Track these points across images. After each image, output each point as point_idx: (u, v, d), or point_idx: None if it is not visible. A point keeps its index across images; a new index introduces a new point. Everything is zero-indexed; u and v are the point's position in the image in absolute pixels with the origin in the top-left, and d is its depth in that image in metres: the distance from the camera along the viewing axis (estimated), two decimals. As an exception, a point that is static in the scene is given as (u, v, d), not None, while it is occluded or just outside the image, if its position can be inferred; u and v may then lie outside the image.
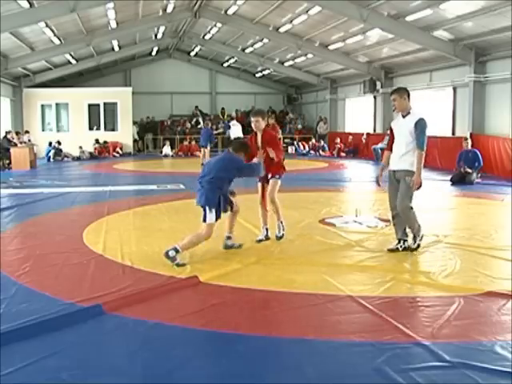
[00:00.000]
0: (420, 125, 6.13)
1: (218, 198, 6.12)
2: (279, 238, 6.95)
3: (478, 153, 14.04)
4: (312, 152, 25.44)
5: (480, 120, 16.55)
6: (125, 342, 3.90)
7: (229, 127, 20.43)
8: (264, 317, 4.42)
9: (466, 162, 13.79)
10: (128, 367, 3.50)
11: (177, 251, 5.80)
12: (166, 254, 5.78)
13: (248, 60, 27.68)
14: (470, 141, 14.49)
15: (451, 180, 13.62)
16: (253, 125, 6.81)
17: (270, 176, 6.82)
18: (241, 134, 20.30)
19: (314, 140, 26.92)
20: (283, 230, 6.99)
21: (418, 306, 4.62)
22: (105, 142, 24.73)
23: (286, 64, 26.53)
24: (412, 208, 6.29)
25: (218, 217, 6.16)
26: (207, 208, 6.09)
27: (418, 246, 6.41)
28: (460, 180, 13.46)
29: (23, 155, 18.18)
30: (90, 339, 3.95)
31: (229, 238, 6.61)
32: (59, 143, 23.24)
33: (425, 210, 9.75)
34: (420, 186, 6.21)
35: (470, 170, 13.63)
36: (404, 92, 6.27)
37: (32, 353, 3.64)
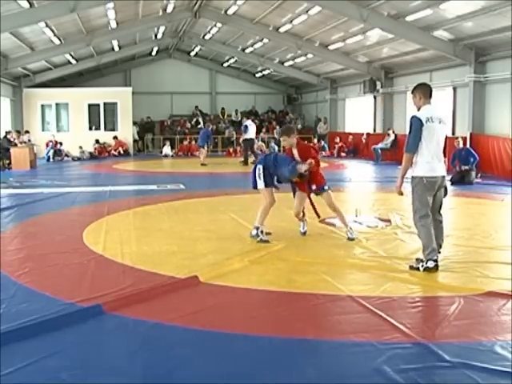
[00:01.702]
0: (410, 124, 5.62)
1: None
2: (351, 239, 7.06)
3: (471, 149, 14.13)
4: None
5: (480, 120, 16.55)
6: (125, 342, 3.90)
7: (246, 127, 19.38)
8: (264, 317, 4.42)
9: (461, 161, 13.81)
10: (128, 367, 3.50)
11: (257, 228, 6.92)
12: (251, 235, 6.99)
13: (248, 60, 27.68)
14: (460, 139, 14.46)
15: (451, 180, 13.59)
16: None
17: (314, 188, 7.11)
18: (254, 135, 19.56)
19: (315, 140, 26.86)
20: (353, 233, 7.12)
21: (417, 305, 4.62)
22: (115, 137, 24.86)
23: (286, 64, 26.53)
24: (422, 219, 5.53)
25: (267, 184, 7.03)
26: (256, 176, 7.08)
27: (417, 269, 5.51)
28: (460, 180, 13.46)
29: (23, 155, 18.17)
30: (90, 339, 3.95)
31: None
32: (60, 144, 23.22)
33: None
34: (400, 193, 5.73)
35: (466, 167, 13.62)
36: (416, 89, 5.77)
37: (32, 353, 3.64)
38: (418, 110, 5.71)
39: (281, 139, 7.43)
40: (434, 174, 5.56)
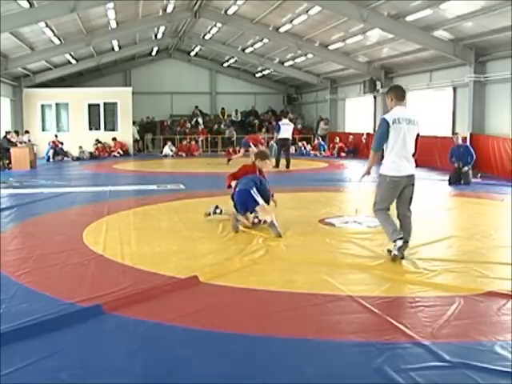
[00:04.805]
0: (379, 124, 6.04)
1: None
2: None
3: (470, 147, 13.91)
4: (312, 152, 25.37)
5: (480, 120, 16.55)
6: (125, 342, 3.90)
7: (279, 127, 18.08)
8: (264, 317, 4.41)
9: (458, 158, 13.52)
10: (128, 367, 3.49)
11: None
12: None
13: (248, 60, 27.69)
14: (459, 135, 14.33)
15: (449, 181, 13.49)
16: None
17: None
18: (287, 135, 17.91)
19: (315, 140, 26.87)
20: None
21: (417, 306, 4.61)
22: (114, 139, 24.92)
23: (286, 64, 26.54)
24: (379, 211, 6.09)
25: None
26: None
27: (395, 256, 5.84)
28: (457, 179, 13.36)
29: (23, 155, 18.17)
30: (89, 339, 3.95)
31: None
32: (61, 143, 23.21)
33: (424, 209, 9.78)
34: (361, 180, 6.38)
35: (466, 168, 13.36)
36: (389, 92, 6.17)
37: (32, 353, 3.64)
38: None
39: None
40: (399, 174, 5.86)
